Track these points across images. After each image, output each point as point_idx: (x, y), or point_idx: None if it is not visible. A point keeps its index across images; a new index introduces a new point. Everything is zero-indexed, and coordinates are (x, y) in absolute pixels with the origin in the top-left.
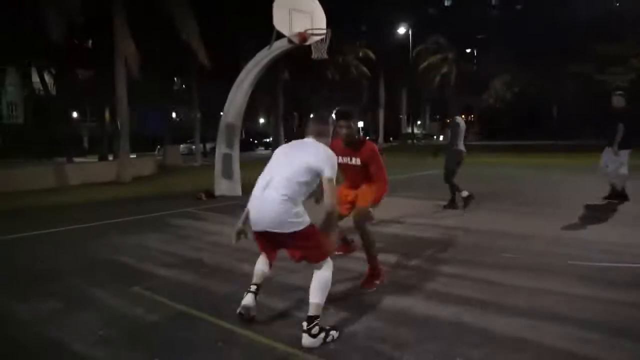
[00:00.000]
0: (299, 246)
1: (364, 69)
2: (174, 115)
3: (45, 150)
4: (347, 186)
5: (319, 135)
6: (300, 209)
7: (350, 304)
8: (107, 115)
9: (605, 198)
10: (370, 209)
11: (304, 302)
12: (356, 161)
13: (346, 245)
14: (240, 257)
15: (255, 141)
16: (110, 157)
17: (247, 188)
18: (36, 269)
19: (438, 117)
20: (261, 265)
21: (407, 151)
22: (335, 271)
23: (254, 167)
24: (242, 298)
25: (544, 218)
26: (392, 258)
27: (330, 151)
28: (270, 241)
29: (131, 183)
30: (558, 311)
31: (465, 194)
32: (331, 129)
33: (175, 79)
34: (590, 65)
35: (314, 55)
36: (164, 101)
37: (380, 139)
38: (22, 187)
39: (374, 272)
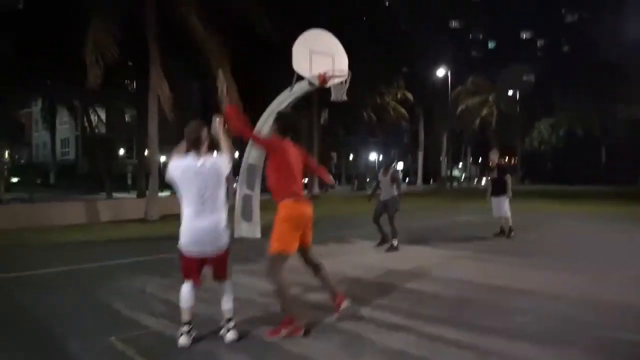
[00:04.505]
0: None
1: (402, 110)
2: None
3: (93, 185)
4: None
5: None
6: None
7: None
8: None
9: (497, 235)
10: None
11: None
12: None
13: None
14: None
15: None
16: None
17: (267, 230)
18: (21, 313)
19: (480, 159)
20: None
21: (443, 195)
22: None
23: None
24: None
25: (575, 274)
26: (387, 316)
27: None
28: None
29: (157, 221)
30: None
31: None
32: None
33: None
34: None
35: (333, 98)
36: None
37: (419, 181)
38: (54, 223)
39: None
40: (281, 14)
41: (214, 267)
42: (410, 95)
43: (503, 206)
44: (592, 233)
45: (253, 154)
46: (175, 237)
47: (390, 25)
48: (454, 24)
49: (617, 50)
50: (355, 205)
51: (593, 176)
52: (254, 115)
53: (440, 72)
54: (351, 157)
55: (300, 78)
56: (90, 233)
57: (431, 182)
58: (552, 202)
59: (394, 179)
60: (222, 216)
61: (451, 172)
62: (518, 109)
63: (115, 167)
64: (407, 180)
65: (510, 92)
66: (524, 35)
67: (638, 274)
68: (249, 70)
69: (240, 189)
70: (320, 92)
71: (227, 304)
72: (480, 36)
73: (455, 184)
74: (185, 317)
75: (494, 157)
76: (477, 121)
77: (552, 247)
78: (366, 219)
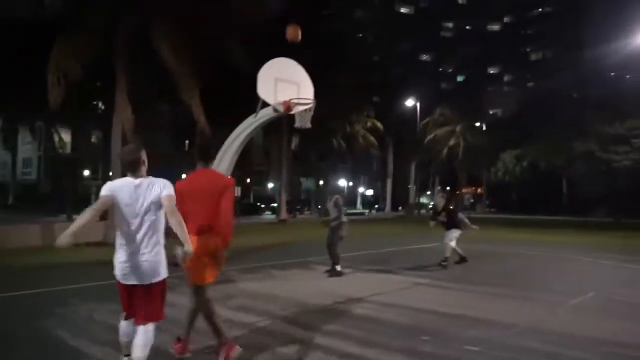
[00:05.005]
0: None
1: (372, 138)
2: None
3: (54, 206)
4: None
5: None
6: None
7: None
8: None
9: (458, 262)
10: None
11: None
12: None
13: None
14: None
15: (262, 205)
16: None
17: (232, 254)
18: None
19: (448, 188)
20: None
21: (410, 222)
22: None
23: (251, 232)
24: None
25: (529, 303)
26: (339, 344)
27: None
28: None
29: None
30: None
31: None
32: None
33: (186, 141)
34: (593, 142)
35: (297, 124)
36: (173, 162)
37: (387, 207)
38: (10, 245)
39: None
40: (249, 44)
41: (145, 300)
42: (380, 125)
43: (450, 234)
44: (553, 261)
45: None
46: None
47: (362, 56)
48: (424, 57)
49: (576, 87)
50: (322, 231)
51: (555, 207)
52: (219, 139)
53: (410, 102)
54: (321, 182)
55: (265, 104)
56: (43, 256)
57: (399, 209)
58: (516, 231)
59: (336, 205)
60: (159, 242)
61: (419, 200)
62: (484, 140)
63: (81, 187)
64: (376, 207)
65: (477, 124)
66: (491, 70)
67: (594, 303)
68: (217, 95)
69: None
70: (289, 117)
71: (140, 351)
72: (450, 69)
73: (423, 211)
74: (125, 350)
75: (440, 201)
76: (445, 151)
77: (512, 275)
78: None
